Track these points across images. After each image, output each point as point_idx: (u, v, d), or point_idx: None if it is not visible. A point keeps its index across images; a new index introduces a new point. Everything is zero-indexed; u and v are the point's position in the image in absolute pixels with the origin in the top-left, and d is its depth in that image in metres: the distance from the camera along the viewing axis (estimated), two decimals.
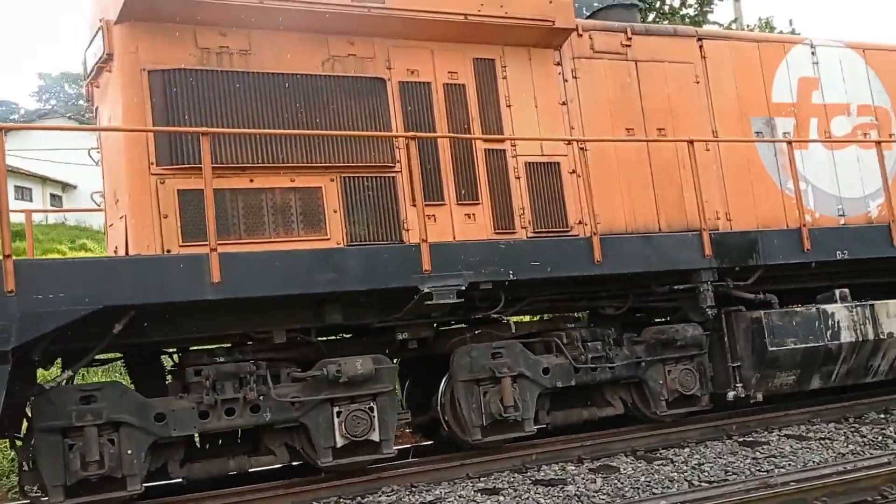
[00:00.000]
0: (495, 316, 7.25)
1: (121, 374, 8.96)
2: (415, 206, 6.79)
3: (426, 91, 7.18)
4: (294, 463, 7.06)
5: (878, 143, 8.87)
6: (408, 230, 6.89)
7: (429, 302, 6.41)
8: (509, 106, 7.48)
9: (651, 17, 18.61)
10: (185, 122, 6.26)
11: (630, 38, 8.13)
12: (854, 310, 8.15)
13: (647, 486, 6.11)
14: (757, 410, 8.26)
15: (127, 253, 6.12)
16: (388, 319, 6.82)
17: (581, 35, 7.88)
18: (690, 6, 19.52)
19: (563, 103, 7.74)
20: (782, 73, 8.98)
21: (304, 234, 6.56)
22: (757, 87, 8.79)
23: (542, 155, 7.53)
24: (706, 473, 6.42)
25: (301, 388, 6.46)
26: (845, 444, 7.16)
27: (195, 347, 6.90)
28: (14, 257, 5.26)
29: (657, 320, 8.36)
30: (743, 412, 8.22)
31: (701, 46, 8.52)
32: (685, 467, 6.61)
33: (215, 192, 6.06)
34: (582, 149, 7.23)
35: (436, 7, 7.03)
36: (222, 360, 6.40)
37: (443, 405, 7.26)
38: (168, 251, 6.09)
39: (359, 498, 6.31)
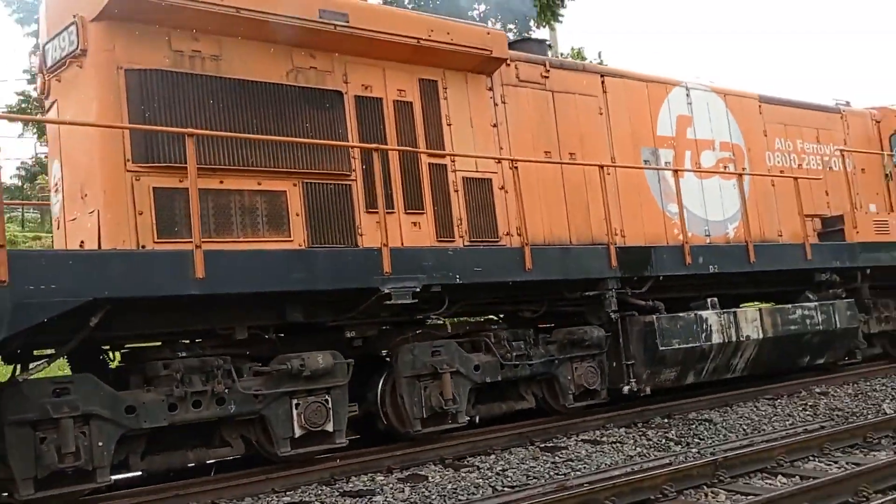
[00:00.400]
0: (434, 317, 7.87)
1: None
2: (368, 212, 7.37)
3: (378, 106, 7.74)
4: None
5: (740, 175, 10.44)
6: (362, 235, 7.39)
7: (388, 302, 6.95)
8: (449, 125, 8.20)
9: None
10: (158, 122, 6.43)
11: (548, 71, 9.12)
12: (722, 316, 9.57)
13: (454, 493, 6.21)
14: (557, 418, 8.68)
15: (99, 247, 6.18)
16: (344, 318, 7.27)
17: (509, 65, 8.74)
18: (511, 31, 20.84)
19: (494, 125, 8.56)
20: (665, 110, 10.34)
21: (269, 234, 6.90)
22: (645, 121, 10.08)
23: (477, 171, 8.30)
24: (509, 478, 6.58)
25: (263, 381, 6.77)
26: (634, 447, 7.55)
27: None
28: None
29: (547, 325, 9.29)
30: (544, 420, 8.64)
31: (603, 82, 9.68)
32: (490, 473, 6.76)
33: (187, 192, 6.30)
34: (515, 168, 8.05)
35: (393, 30, 7.62)
36: (184, 354, 6.59)
37: (382, 400, 7.78)
38: (143, 247, 6.23)
39: None
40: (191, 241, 6.18)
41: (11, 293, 5.24)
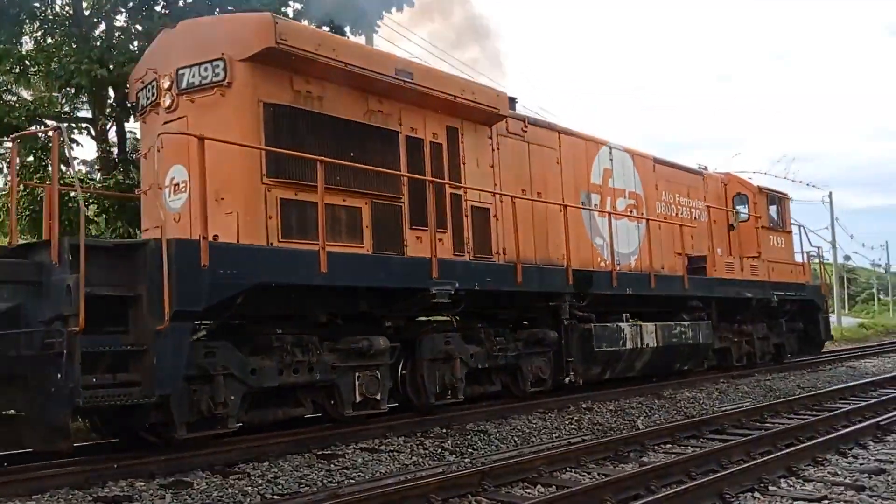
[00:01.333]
0: (447, 315, 10.00)
1: None
2: (412, 229, 9.42)
3: (421, 145, 9.78)
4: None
5: (648, 220, 13.45)
6: (406, 246, 9.38)
7: (434, 300, 9.01)
8: (464, 164, 10.38)
9: None
10: (283, 147, 8.10)
11: (527, 126, 11.58)
12: (633, 327, 12.43)
13: (220, 500, 6.05)
14: (333, 427, 8.72)
15: (238, 241, 7.76)
16: (387, 310, 9.22)
17: (502, 118, 11.05)
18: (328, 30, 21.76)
19: (492, 166, 10.85)
20: (596, 163, 13.12)
21: (347, 241, 8.71)
22: (583, 171, 12.79)
23: (480, 202, 10.53)
24: (280, 486, 6.46)
25: (337, 356, 8.58)
26: (410, 457, 7.67)
27: None
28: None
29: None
30: (324, 427, 8.79)
31: (560, 138, 12.27)
32: (261, 481, 6.60)
33: (301, 203, 8.09)
34: (513, 202, 10.38)
35: (439, 87, 9.73)
36: (280, 331, 8.26)
37: (403, 377, 9.76)
38: (271, 244, 7.90)
39: None
40: (304, 242, 7.98)
41: (209, 274, 6.82)
